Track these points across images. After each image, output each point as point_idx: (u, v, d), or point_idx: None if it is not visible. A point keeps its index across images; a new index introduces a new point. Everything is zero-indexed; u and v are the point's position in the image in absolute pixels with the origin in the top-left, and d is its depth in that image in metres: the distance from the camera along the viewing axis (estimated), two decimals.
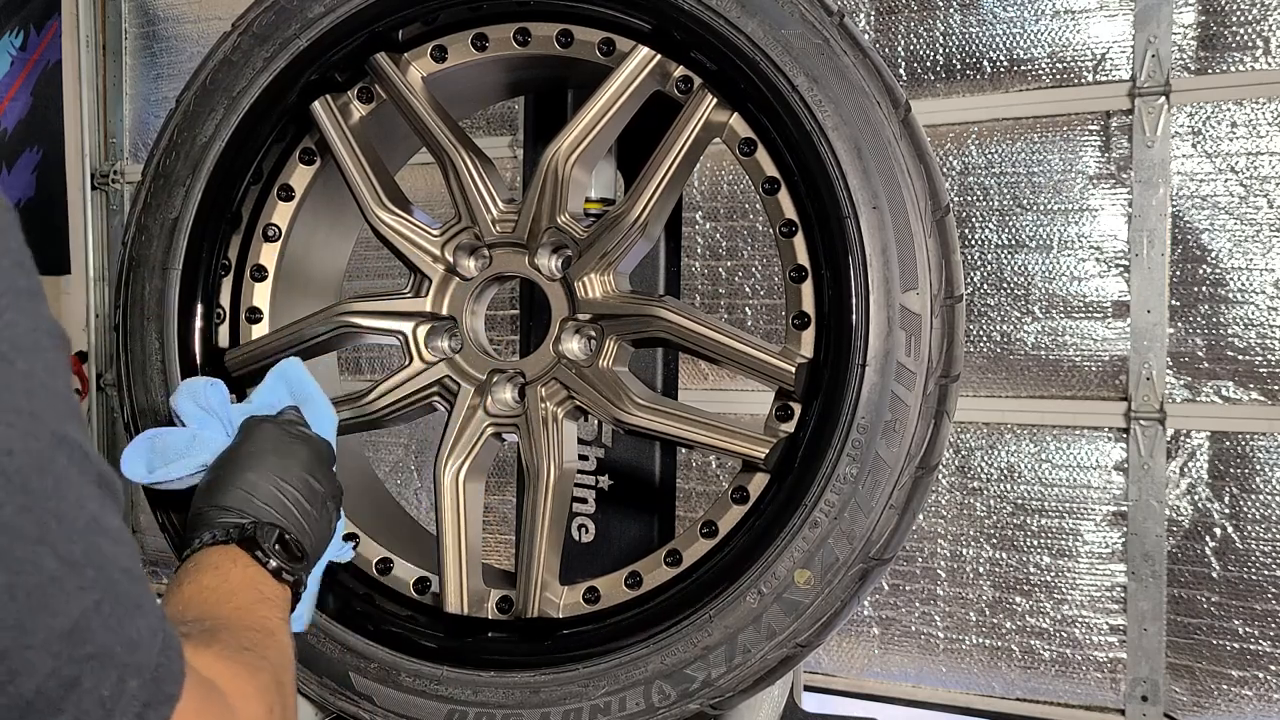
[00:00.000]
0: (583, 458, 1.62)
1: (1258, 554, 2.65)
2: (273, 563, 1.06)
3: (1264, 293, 2.62)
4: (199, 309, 1.54)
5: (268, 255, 1.60)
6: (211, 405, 1.20)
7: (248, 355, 1.55)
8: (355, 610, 1.45)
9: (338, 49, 1.49)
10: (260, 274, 1.60)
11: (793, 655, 1.27)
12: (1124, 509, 2.74)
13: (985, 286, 2.84)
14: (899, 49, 2.90)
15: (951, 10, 2.85)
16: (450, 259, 1.47)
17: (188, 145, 1.53)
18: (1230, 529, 2.67)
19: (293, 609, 1.09)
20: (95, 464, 0.60)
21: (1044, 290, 2.80)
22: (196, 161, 1.52)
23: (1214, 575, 2.68)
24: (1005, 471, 2.87)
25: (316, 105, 1.51)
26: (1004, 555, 2.86)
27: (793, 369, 1.31)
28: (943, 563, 2.92)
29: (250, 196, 1.57)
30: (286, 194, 1.59)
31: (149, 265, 1.53)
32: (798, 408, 1.32)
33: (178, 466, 1.18)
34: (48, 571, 0.55)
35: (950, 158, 2.86)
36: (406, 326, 1.48)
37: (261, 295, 1.60)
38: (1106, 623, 2.78)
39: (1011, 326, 2.83)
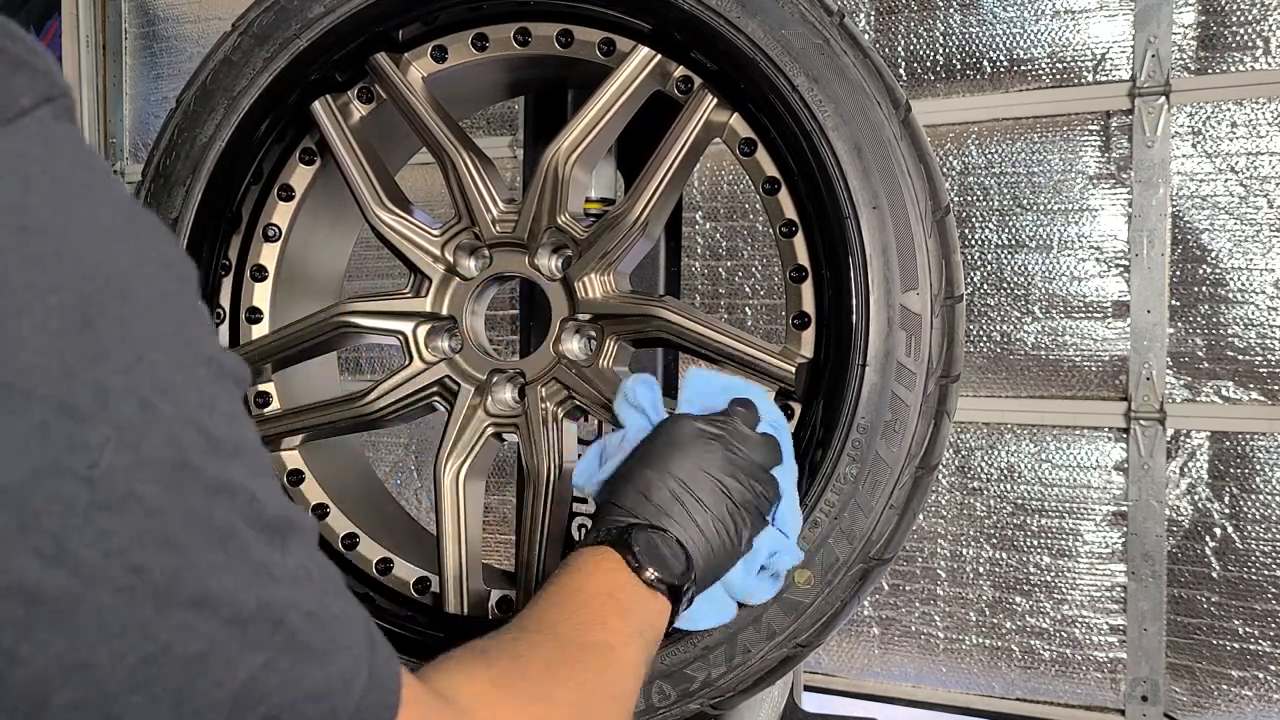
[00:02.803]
0: None
1: (1258, 554, 2.65)
2: (648, 572, 0.98)
3: (1264, 293, 2.62)
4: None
5: (268, 255, 1.60)
6: (640, 403, 1.15)
7: (248, 355, 1.55)
8: None
9: (338, 49, 1.49)
10: (260, 274, 1.60)
11: (793, 655, 1.27)
12: (1124, 509, 2.74)
13: (985, 286, 2.85)
14: (899, 49, 2.90)
15: (951, 10, 2.85)
16: (450, 259, 1.47)
17: (188, 145, 1.53)
18: (1230, 529, 2.67)
19: (671, 620, 1.01)
20: (268, 506, 0.55)
21: (1044, 290, 2.80)
22: (196, 161, 1.52)
23: (1214, 575, 2.69)
24: (1005, 471, 2.87)
25: (316, 105, 1.51)
26: (1004, 555, 2.86)
27: (793, 369, 1.31)
28: (943, 563, 2.92)
29: (250, 196, 1.57)
30: (286, 194, 1.59)
31: None
32: (798, 408, 1.32)
33: (607, 468, 1.14)
34: (209, 635, 0.50)
35: (950, 158, 2.86)
36: (406, 326, 1.48)
37: (261, 295, 1.60)
38: (1106, 623, 2.78)
39: (1011, 326, 2.83)
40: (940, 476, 2.89)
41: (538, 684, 0.82)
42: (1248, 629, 2.66)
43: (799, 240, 1.33)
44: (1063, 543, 2.82)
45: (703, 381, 1.17)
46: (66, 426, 0.47)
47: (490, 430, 1.44)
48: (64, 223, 0.48)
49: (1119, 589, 2.76)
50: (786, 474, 1.15)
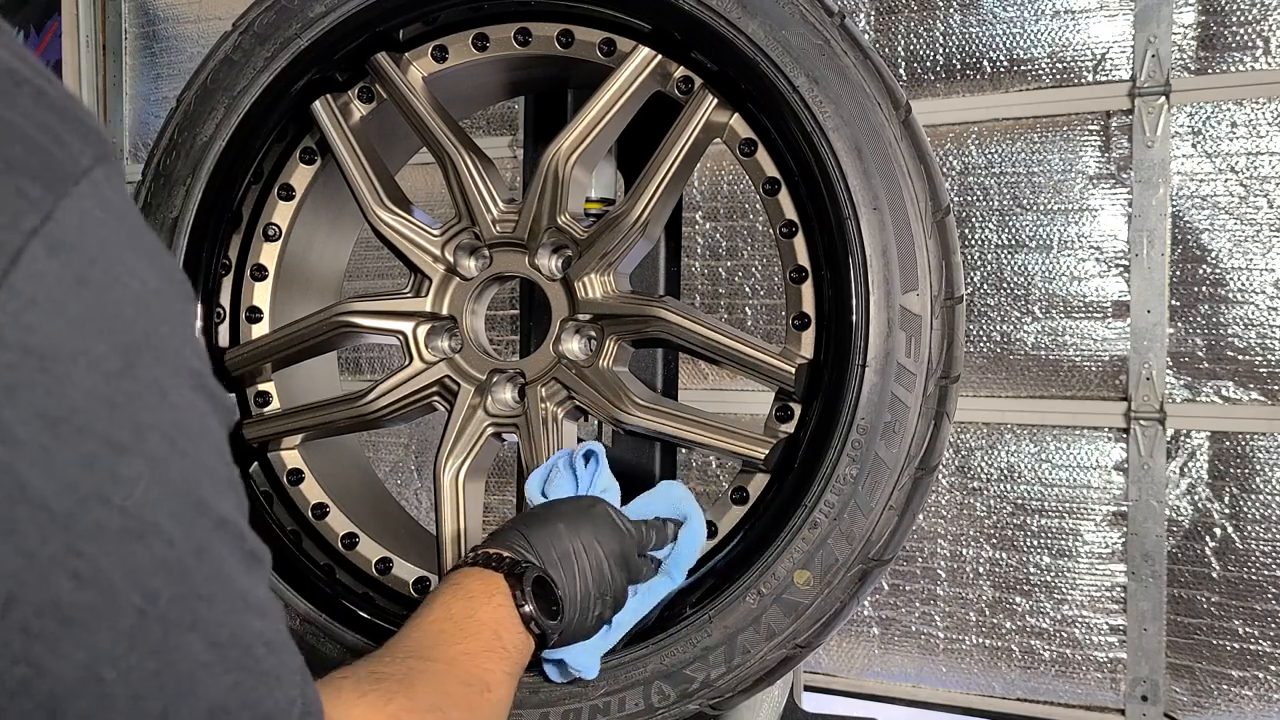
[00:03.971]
0: None
1: (1258, 554, 2.65)
2: (527, 608, 1.05)
3: (1264, 293, 2.62)
4: (199, 308, 1.54)
5: (268, 255, 1.60)
6: (578, 471, 1.25)
7: (248, 355, 1.55)
8: (354, 609, 1.45)
9: (338, 48, 1.49)
10: (260, 273, 1.60)
11: (792, 656, 1.27)
12: (1124, 509, 2.74)
13: (985, 286, 2.85)
14: (899, 49, 2.90)
15: (951, 10, 2.85)
16: (450, 259, 1.47)
17: (188, 144, 1.53)
18: (1230, 529, 2.67)
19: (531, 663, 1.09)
20: (249, 540, 0.60)
21: (1044, 290, 2.80)
22: (197, 161, 1.52)
23: (1214, 575, 2.69)
24: (1005, 471, 2.87)
25: (317, 105, 1.51)
26: (1004, 555, 2.86)
27: (793, 370, 1.31)
28: (943, 563, 2.92)
29: (250, 196, 1.57)
30: (287, 193, 1.59)
31: None
32: (798, 408, 1.32)
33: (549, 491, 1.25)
34: (196, 657, 0.55)
35: (950, 158, 2.86)
36: (406, 326, 1.48)
37: (262, 295, 1.61)
38: (1106, 623, 2.78)
39: (1011, 326, 2.83)
40: (940, 476, 2.90)
41: (428, 711, 0.88)
42: (1248, 629, 2.66)
43: (799, 241, 1.33)
44: (1063, 543, 2.82)
45: (648, 499, 1.28)
46: (109, 459, 0.52)
47: (490, 430, 1.44)
48: (115, 279, 0.54)
49: (1119, 589, 2.76)
50: (654, 595, 1.26)
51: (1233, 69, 2.64)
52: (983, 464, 2.89)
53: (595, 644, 1.20)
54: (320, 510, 1.54)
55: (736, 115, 1.36)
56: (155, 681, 0.53)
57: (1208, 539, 2.69)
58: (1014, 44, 2.80)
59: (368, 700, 0.84)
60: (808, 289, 1.32)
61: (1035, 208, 2.80)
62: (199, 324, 0.65)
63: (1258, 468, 2.65)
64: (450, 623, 1.01)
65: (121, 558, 0.52)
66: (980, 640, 2.90)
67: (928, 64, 2.88)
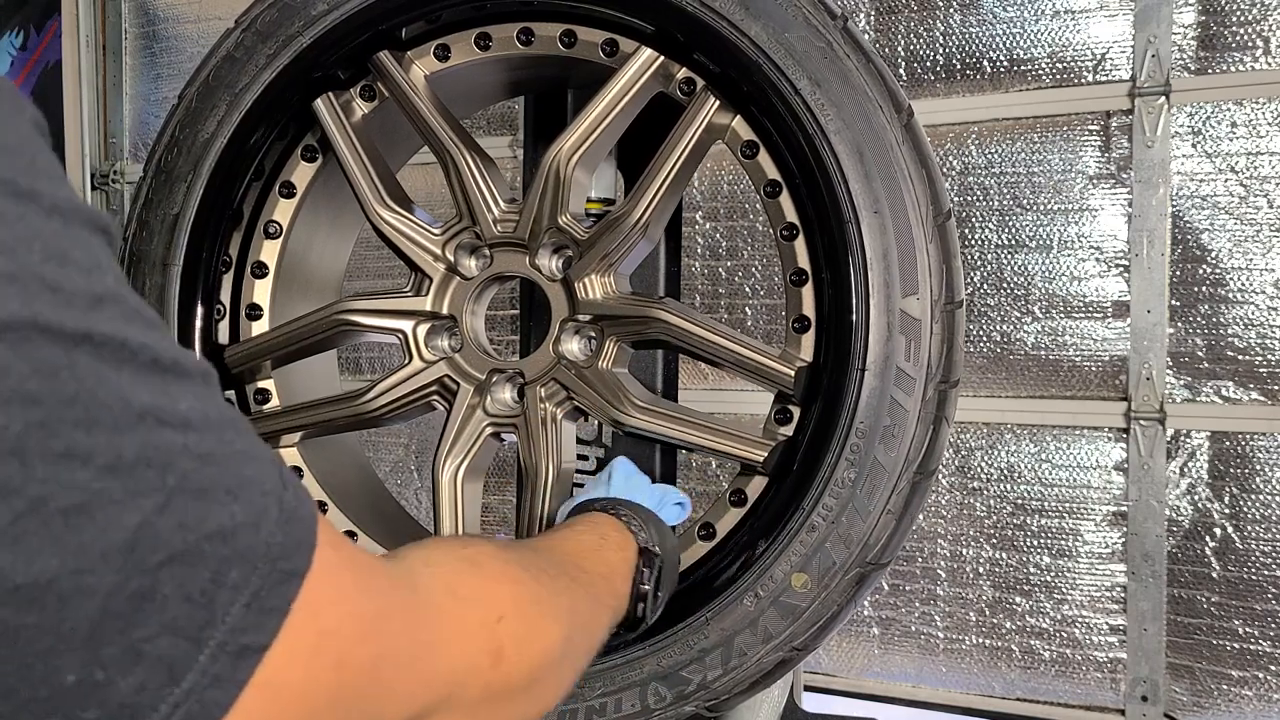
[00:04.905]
0: (582, 458, 1.63)
1: (1258, 554, 2.65)
2: (646, 586, 1.07)
3: (1264, 293, 2.62)
4: (199, 306, 1.54)
5: (269, 252, 1.60)
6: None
7: (247, 352, 1.56)
8: None
9: (341, 46, 1.49)
10: (261, 271, 1.60)
11: (789, 658, 1.27)
12: (1124, 509, 2.74)
13: (985, 287, 2.84)
14: (899, 49, 2.90)
15: (951, 10, 2.85)
16: (451, 258, 1.47)
17: (190, 141, 1.53)
18: (1230, 529, 2.67)
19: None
20: (146, 350, 0.52)
21: (1044, 290, 2.80)
22: (198, 158, 1.53)
23: (1214, 575, 2.69)
24: (1005, 471, 2.87)
25: (319, 103, 1.51)
26: (1004, 555, 2.86)
27: (792, 372, 1.31)
28: (943, 563, 2.92)
29: (252, 193, 1.57)
30: (288, 191, 1.59)
31: (150, 261, 1.53)
32: (797, 411, 1.32)
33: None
34: (84, 485, 0.48)
35: (950, 158, 2.86)
36: (406, 325, 1.48)
37: (262, 292, 1.61)
38: (1106, 623, 2.78)
39: (1011, 326, 2.83)
40: (940, 477, 2.90)
41: (517, 579, 0.80)
42: (1248, 629, 2.66)
43: (800, 243, 1.33)
44: (1063, 543, 2.82)
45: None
46: None
47: (489, 430, 1.44)
48: None
49: (1119, 589, 2.76)
50: None
51: (1233, 69, 2.63)
52: (983, 464, 2.89)
53: None
54: (319, 508, 1.54)
55: (738, 117, 1.36)
56: (33, 519, 0.47)
57: (1208, 539, 2.69)
58: (1014, 44, 2.80)
59: (446, 539, 0.81)
60: (808, 292, 1.32)
61: (1035, 208, 2.80)
62: (37, 134, 0.53)
63: (1258, 468, 2.65)
64: (580, 543, 1.01)
65: None
66: (980, 640, 2.90)
67: (928, 64, 2.88)
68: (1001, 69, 2.81)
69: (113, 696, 0.49)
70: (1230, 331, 2.65)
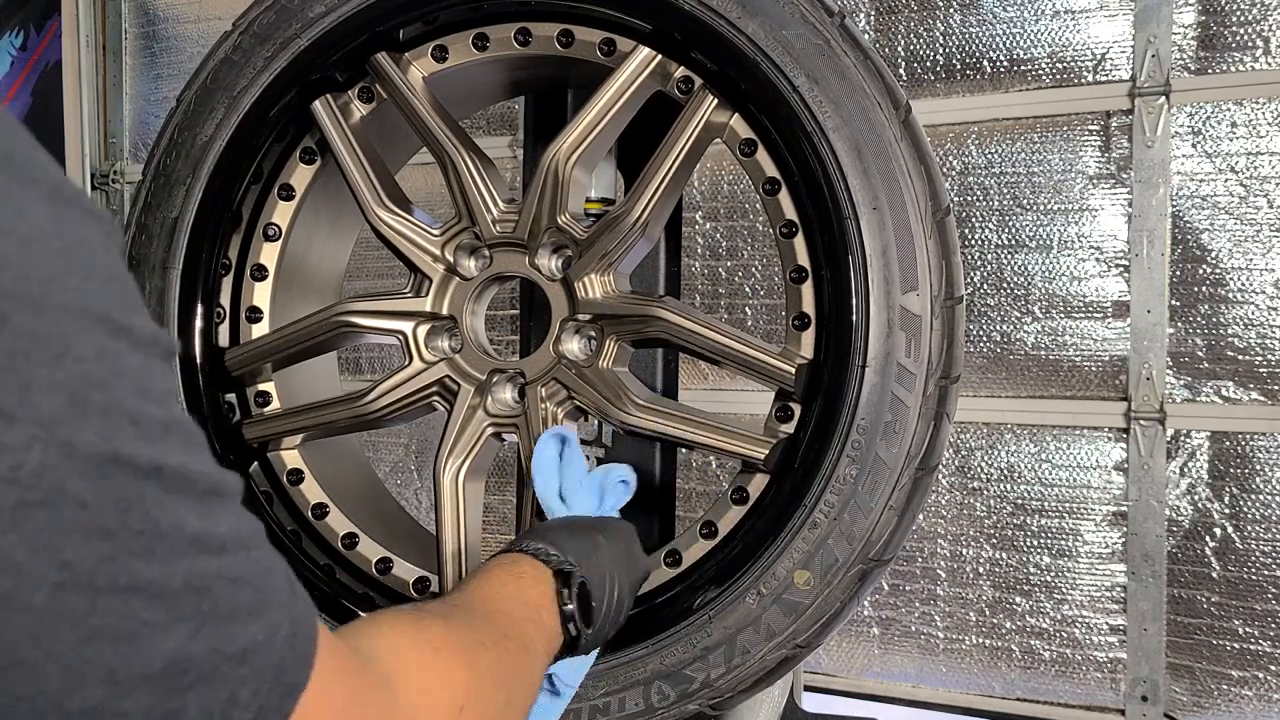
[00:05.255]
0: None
1: (1258, 554, 2.65)
2: (569, 607, 1.06)
3: (1264, 293, 2.62)
4: (199, 308, 1.54)
5: (268, 255, 1.60)
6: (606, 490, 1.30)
7: (247, 354, 1.55)
8: (354, 609, 1.45)
9: (339, 48, 1.49)
10: (260, 273, 1.60)
11: (792, 656, 1.27)
12: (1124, 509, 2.74)
13: (985, 286, 2.84)
14: (899, 49, 2.90)
15: (951, 10, 2.85)
16: (450, 259, 1.47)
17: (188, 144, 1.53)
18: (1230, 529, 2.67)
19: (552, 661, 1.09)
20: (200, 480, 0.55)
21: (1044, 290, 2.80)
22: (197, 161, 1.53)
23: (1214, 575, 2.69)
24: (1005, 471, 2.87)
25: (317, 105, 1.51)
26: (1004, 555, 2.86)
27: (793, 370, 1.31)
28: (943, 563, 2.92)
29: (251, 196, 1.57)
30: (287, 193, 1.59)
31: (149, 265, 1.53)
32: (798, 408, 1.32)
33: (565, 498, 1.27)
34: (137, 615, 0.51)
35: (950, 158, 2.86)
36: (406, 326, 1.48)
37: (262, 295, 1.61)
38: (1106, 623, 2.78)
39: (1011, 326, 2.83)
40: (940, 476, 2.89)
41: (467, 653, 0.85)
42: (1248, 629, 2.66)
43: (799, 241, 1.33)
44: (1063, 543, 2.81)
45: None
46: None
47: (490, 430, 1.44)
48: None
49: (1119, 589, 2.76)
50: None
51: (1233, 69, 2.63)
52: (983, 464, 2.89)
53: (584, 662, 1.21)
54: (320, 510, 1.54)
55: (736, 115, 1.36)
56: (89, 649, 0.49)
57: (1208, 539, 2.69)
58: (1014, 44, 2.80)
59: (397, 628, 0.82)
60: (808, 289, 1.32)
61: (1035, 208, 2.80)
62: (121, 258, 0.54)
63: (1258, 468, 2.65)
64: (497, 588, 1.01)
65: (23, 534, 0.47)
66: (980, 640, 2.89)
67: (928, 64, 2.88)
68: (1001, 69, 2.81)
69: None
70: (1230, 331, 2.65)
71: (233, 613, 0.56)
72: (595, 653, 1.23)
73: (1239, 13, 2.62)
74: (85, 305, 0.50)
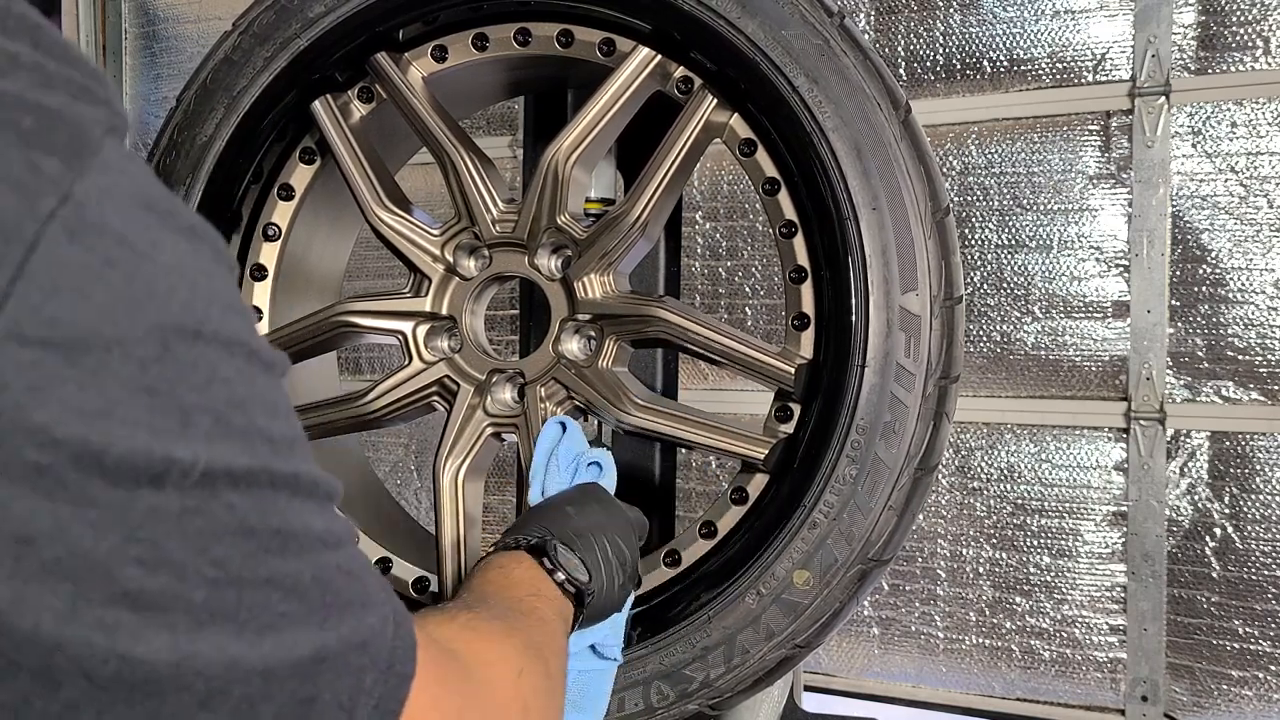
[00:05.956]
0: None
1: (1258, 554, 2.65)
2: (559, 574, 1.09)
3: (1264, 293, 2.62)
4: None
5: (268, 254, 1.60)
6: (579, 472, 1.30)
7: None
8: None
9: (338, 49, 1.49)
10: (260, 273, 1.60)
11: (791, 656, 1.27)
12: (1124, 509, 2.74)
13: (985, 286, 2.85)
14: (899, 49, 2.90)
15: (951, 10, 2.85)
16: (450, 259, 1.47)
17: (188, 144, 1.53)
18: (1230, 529, 2.67)
19: (571, 629, 1.11)
20: (320, 485, 0.60)
21: (1044, 290, 2.80)
22: (197, 161, 1.52)
23: (1214, 575, 2.69)
24: (1005, 471, 2.87)
25: (317, 105, 1.51)
26: (1004, 555, 2.86)
27: (792, 370, 1.31)
28: (943, 563, 2.92)
29: (250, 196, 1.57)
30: (286, 193, 1.59)
31: None
32: (797, 408, 1.32)
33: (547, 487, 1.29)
34: (276, 609, 0.55)
35: (950, 158, 2.86)
36: (406, 326, 1.48)
37: (261, 294, 1.60)
38: (1106, 623, 2.78)
39: (1011, 326, 2.83)
40: (940, 476, 2.90)
41: (501, 630, 0.90)
42: (1248, 629, 2.66)
43: (799, 241, 1.33)
44: (1063, 543, 2.82)
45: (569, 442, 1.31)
46: (159, 446, 0.51)
47: (489, 430, 1.44)
48: (143, 257, 0.52)
49: (1119, 589, 2.76)
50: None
51: (1233, 69, 2.63)
52: (983, 464, 2.89)
53: (617, 622, 1.22)
54: None
55: (736, 115, 1.36)
56: (243, 642, 0.53)
57: (1208, 539, 2.69)
58: (1014, 44, 2.80)
59: (434, 613, 0.88)
60: (807, 289, 1.32)
61: (1035, 208, 2.80)
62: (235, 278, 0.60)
63: (1258, 468, 2.65)
64: (490, 584, 1.04)
65: (185, 536, 0.51)
66: (980, 640, 2.90)
67: (928, 64, 2.88)
68: (1001, 69, 2.81)
69: None
70: (1230, 331, 2.66)
71: (350, 603, 0.60)
72: (628, 608, 1.24)
73: (1239, 13, 2.62)
74: (226, 334, 0.55)
